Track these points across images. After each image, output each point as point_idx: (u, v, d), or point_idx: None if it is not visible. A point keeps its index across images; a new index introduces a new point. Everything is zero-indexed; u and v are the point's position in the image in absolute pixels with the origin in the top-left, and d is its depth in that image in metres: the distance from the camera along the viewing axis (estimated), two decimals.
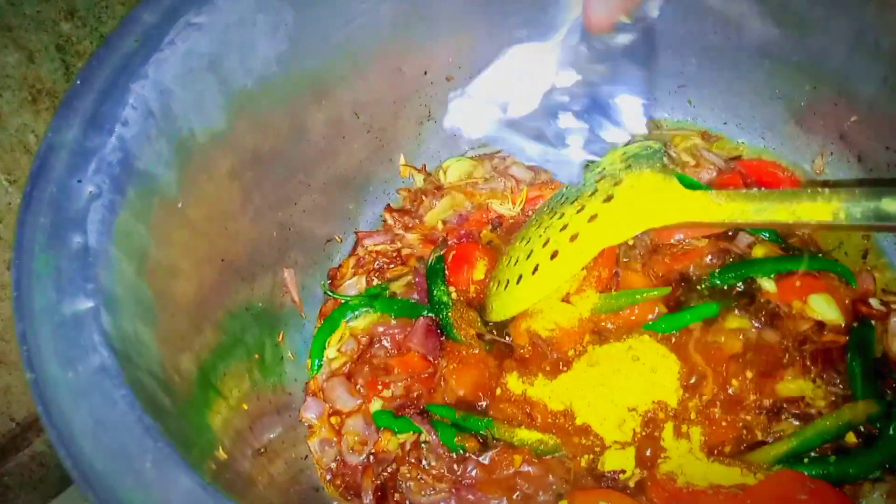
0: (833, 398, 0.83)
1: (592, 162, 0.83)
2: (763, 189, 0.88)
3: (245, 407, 0.77)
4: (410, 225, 1.04)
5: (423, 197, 1.07)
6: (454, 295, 0.96)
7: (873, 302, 0.90)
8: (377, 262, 1.02)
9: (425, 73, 1.02)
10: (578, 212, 0.82)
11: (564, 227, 0.82)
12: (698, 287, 0.92)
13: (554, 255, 0.81)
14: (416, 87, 1.03)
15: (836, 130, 0.95)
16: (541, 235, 0.86)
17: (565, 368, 0.88)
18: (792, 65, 0.94)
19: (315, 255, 1.01)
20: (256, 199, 0.88)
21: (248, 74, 0.80)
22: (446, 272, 0.97)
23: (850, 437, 0.81)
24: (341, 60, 0.91)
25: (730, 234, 0.95)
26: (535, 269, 0.82)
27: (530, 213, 1.01)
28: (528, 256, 0.85)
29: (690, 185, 0.87)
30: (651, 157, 0.82)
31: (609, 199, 0.80)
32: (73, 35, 0.98)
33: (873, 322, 0.87)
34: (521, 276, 0.84)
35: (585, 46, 0.73)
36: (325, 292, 1.00)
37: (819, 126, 0.97)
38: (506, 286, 0.86)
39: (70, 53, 0.98)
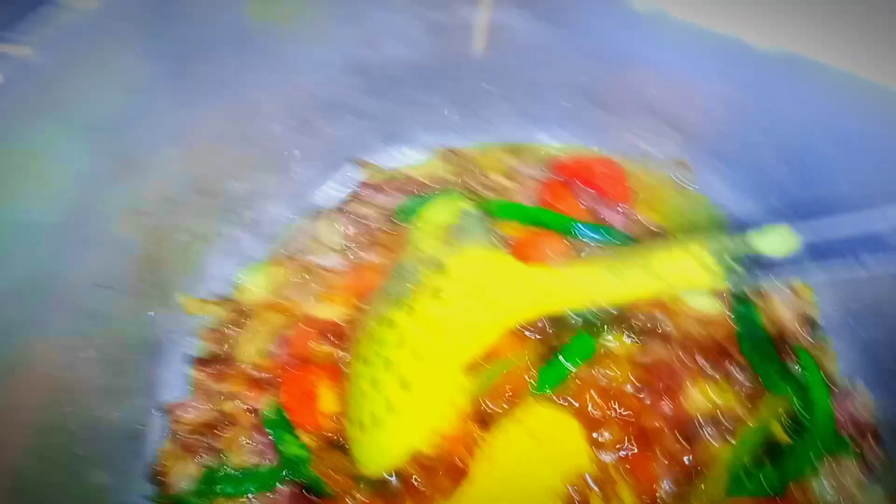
0: (743, 392, 0.76)
1: None
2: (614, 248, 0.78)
3: None
4: (225, 373, 0.84)
5: (228, 330, 0.87)
6: (308, 441, 0.78)
7: None
8: (203, 437, 0.82)
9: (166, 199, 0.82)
10: (410, 315, 0.67)
11: (401, 342, 0.67)
12: (568, 321, 0.81)
13: (405, 385, 0.65)
14: (166, 218, 0.82)
15: (645, 105, 0.86)
16: (377, 352, 0.70)
17: (464, 478, 0.74)
18: (573, 54, 0.84)
19: (124, 463, 0.79)
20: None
21: None
22: (288, 417, 0.79)
23: (779, 432, 0.75)
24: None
25: None
26: (389, 404, 0.67)
27: (361, 305, 0.85)
28: (375, 385, 0.69)
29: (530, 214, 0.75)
30: (474, 229, 0.68)
31: (437, 293, 0.65)
32: None
33: (751, 300, 0.81)
34: (374, 416, 0.68)
35: None
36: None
37: (626, 104, 0.87)
38: (363, 429, 0.71)
39: None
